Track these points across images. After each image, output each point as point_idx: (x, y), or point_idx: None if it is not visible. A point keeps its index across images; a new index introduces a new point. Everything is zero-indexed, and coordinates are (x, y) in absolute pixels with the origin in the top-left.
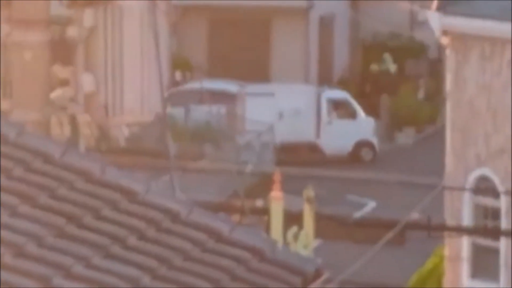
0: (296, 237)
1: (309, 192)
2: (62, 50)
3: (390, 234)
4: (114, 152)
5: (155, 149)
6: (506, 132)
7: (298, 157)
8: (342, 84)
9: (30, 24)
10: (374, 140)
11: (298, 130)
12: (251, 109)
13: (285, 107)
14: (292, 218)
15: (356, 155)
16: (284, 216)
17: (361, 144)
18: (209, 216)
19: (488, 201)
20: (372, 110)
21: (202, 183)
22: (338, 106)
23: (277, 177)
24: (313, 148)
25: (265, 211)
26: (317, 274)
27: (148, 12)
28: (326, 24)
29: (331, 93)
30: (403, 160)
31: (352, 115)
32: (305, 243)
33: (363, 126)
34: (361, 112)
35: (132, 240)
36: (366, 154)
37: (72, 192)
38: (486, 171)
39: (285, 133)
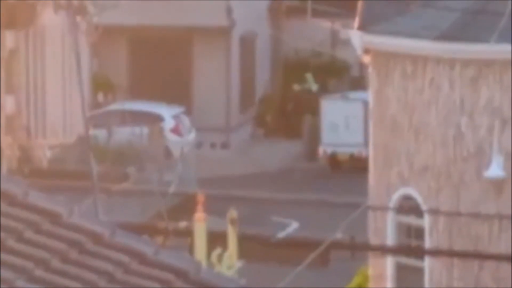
0: (220, 258)
1: (233, 213)
2: None
3: (314, 255)
4: (36, 174)
5: (77, 171)
6: (428, 150)
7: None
8: (264, 103)
9: None
10: None
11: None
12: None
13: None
14: (216, 239)
15: None
16: (208, 237)
17: None
18: (133, 238)
19: (411, 220)
20: (294, 129)
21: (125, 205)
22: None
23: (200, 198)
24: None
25: (188, 232)
26: None
27: (69, 33)
28: (247, 42)
29: None
30: (325, 180)
31: None
32: (229, 264)
33: None
34: None
35: (56, 263)
36: None
37: None
38: (409, 190)
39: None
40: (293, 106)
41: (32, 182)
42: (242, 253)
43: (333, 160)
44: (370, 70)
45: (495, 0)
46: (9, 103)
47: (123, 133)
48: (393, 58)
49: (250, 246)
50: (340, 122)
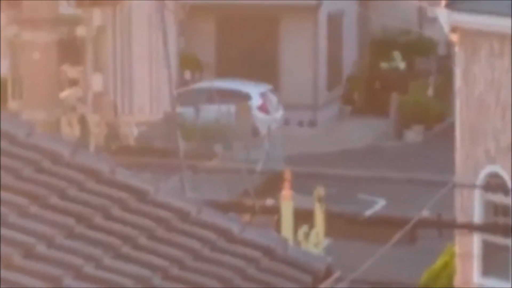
0: (306, 236)
1: (320, 191)
2: (71, 50)
3: (400, 233)
4: (123, 151)
5: (164, 148)
6: None
7: None
8: (351, 81)
9: (38, 24)
10: None
11: None
12: None
13: None
14: (303, 217)
15: None
16: (295, 215)
17: None
18: (219, 216)
19: (498, 198)
20: (381, 107)
21: (211, 182)
22: None
23: (287, 175)
24: None
25: (275, 210)
26: (328, 272)
27: (156, 11)
28: (335, 21)
29: None
30: (412, 157)
31: None
32: (315, 242)
33: None
34: None
35: (142, 240)
36: None
37: (81, 192)
38: (496, 168)
39: None
40: (381, 84)
41: (119, 159)
42: (329, 231)
43: None
44: (457, 48)
45: None
46: (96, 81)
47: (210, 111)
48: (480, 37)
49: (337, 224)
50: None
